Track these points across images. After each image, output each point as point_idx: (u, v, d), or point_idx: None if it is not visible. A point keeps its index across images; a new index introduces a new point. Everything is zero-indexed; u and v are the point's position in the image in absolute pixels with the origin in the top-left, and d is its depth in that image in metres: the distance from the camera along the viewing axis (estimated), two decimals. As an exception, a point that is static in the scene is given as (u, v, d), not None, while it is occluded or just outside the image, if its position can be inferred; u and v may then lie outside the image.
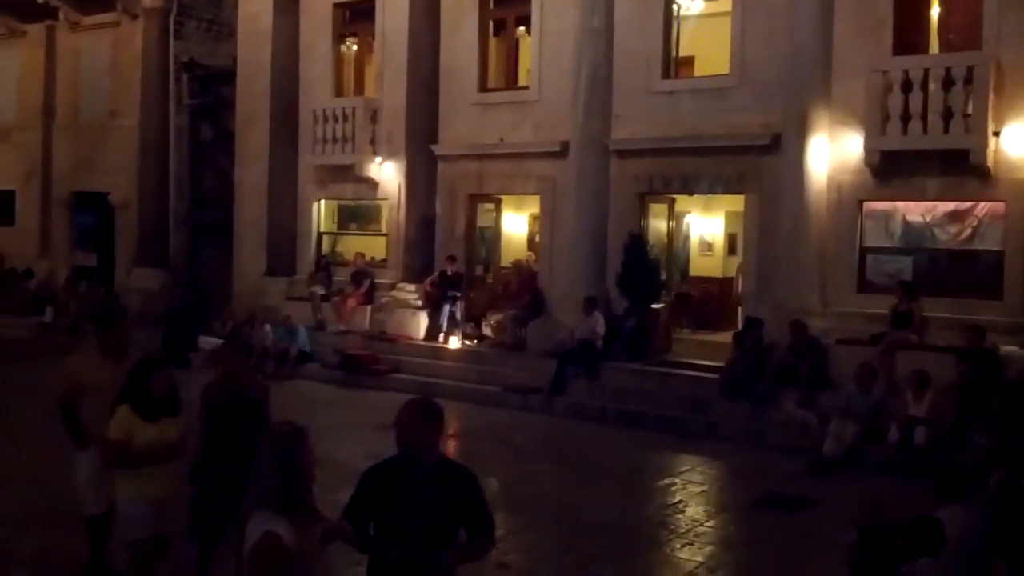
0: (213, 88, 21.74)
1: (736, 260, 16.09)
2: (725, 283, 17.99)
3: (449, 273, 16.49)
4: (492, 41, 17.35)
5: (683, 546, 8.13)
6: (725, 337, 14.85)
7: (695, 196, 16.25)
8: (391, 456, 4.14)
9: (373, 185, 18.29)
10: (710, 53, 15.51)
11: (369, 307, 17.46)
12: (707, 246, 18.95)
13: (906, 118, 12.47)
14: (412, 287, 17.11)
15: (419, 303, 16.85)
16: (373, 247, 18.81)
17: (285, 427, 3.85)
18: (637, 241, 14.77)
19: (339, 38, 19.22)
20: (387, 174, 18.10)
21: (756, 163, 14.04)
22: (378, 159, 18.10)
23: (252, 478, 3.74)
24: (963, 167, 12.24)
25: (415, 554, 3.89)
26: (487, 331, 16.34)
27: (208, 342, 17.38)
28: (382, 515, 4.05)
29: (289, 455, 3.69)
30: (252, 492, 3.71)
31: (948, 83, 12.21)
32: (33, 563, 7.23)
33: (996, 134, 12.20)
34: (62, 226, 23.96)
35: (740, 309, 15.21)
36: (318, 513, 3.83)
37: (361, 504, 4.10)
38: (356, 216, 19.75)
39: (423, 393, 14.40)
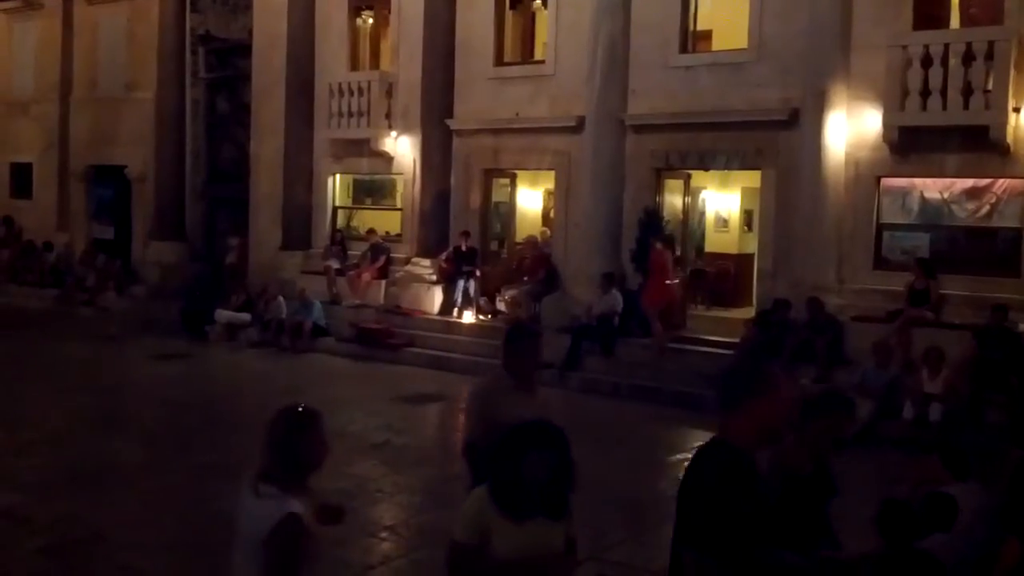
0: (229, 61, 21.72)
1: (752, 237, 15.98)
2: (741, 259, 17.93)
3: (464, 248, 16.51)
4: (508, 14, 17.23)
5: (696, 521, 8.15)
6: (740, 313, 14.82)
7: (711, 172, 16.17)
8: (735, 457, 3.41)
9: (388, 159, 18.28)
10: (728, 27, 15.38)
11: (384, 281, 17.51)
12: (723, 222, 18.87)
13: (925, 94, 12.36)
14: (427, 262, 17.14)
15: (434, 278, 16.89)
16: (388, 221, 18.84)
17: (290, 411, 3.54)
18: (652, 217, 14.73)
19: (355, 11, 19.14)
20: (402, 148, 18.09)
21: (773, 138, 13.95)
22: (393, 133, 18.08)
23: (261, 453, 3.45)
24: (982, 143, 12.13)
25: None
26: (501, 306, 16.35)
27: (224, 315, 17.51)
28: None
29: (288, 439, 3.44)
30: (263, 467, 3.46)
31: (968, 58, 12.08)
32: (53, 530, 7.32)
33: (1016, 110, 12.08)
34: (79, 199, 24.05)
35: (755, 286, 15.17)
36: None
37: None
38: (371, 190, 19.75)
39: (437, 367, 14.59)
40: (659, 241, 14.26)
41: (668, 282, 14.12)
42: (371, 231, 18.16)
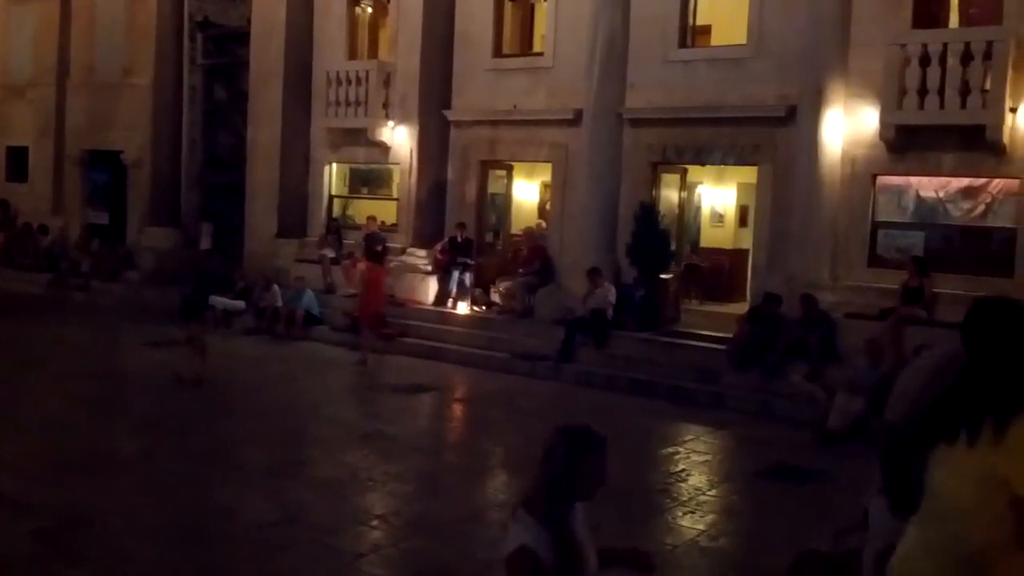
0: (227, 48, 21.66)
1: (747, 232, 16.00)
2: (735, 255, 17.97)
3: (459, 239, 16.52)
4: (508, 6, 17.24)
5: (685, 514, 8.20)
6: (734, 308, 14.85)
7: (708, 167, 16.20)
8: None
9: (385, 149, 18.27)
10: (727, 22, 15.39)
11: (379, 271, 17.50)
12: (718, 217, 18.90)
13: (923, 92, 12.39)
14: (422, 252, 17.16)
15: (429, 268, 16.91)
16: (384, 211, 18.82)
17: (576, 430, 3.22)
18: (648, 211, 14.76)
19: (354, 0, 19.14)
20: (399, 139, 18.08)
21: (770, 134, 13.98)
22: (390, 123, 18.07)
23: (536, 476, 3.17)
24: (979, 143, 12.17)
25: None
26: (496, 298, 16.39)
27: (219, 302, 17.46)
28: None
29: (568, 463, 3.13)
30: (528, 490, 3.20)
31: (967, 58, 12.11)
32: (46, 514, 7.33)
33: (1013, 110, 12.12)
34: (75, 183, 24.00)
35: (749, 281, 15.20)
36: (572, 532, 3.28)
37: None
38: (367, 180, 19.75)
39: (430, 358, 14.60)
40: (371, 259, 14.94)
41: (380, 295, 14.80)
42: (371, 218, 18.14)
